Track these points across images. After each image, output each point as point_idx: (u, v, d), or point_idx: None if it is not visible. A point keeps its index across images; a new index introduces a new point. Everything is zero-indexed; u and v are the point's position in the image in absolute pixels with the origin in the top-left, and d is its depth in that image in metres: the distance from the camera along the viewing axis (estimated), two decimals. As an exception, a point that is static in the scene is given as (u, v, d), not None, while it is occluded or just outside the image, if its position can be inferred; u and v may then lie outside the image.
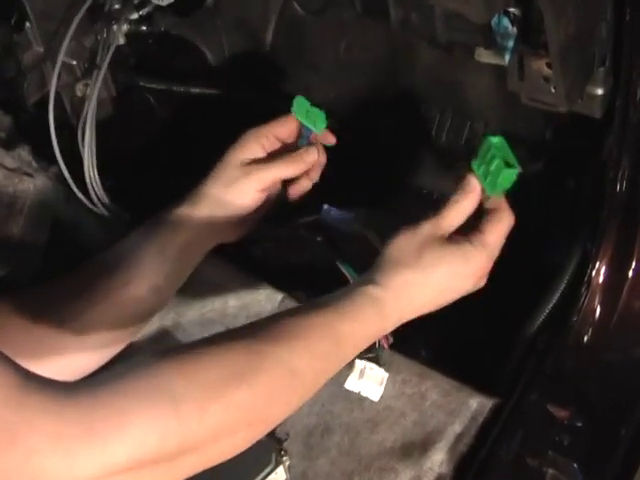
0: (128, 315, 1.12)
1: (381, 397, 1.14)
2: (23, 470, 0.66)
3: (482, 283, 0.99)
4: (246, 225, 1.16)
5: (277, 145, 1.16)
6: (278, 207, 1.20)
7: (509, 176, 0.95)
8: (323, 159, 1.16)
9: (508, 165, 0.95)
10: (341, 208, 1.19)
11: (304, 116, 1.14)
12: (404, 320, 0.96)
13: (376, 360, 1.14)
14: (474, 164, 0.98)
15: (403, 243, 0.96)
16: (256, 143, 1.14)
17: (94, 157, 1.24)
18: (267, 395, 0.82)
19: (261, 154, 1.14)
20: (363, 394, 1.13)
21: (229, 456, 0.82)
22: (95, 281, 1.10)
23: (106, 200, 1.26)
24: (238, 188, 1.12)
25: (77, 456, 0.68)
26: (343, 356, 0.92)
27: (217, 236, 1.15)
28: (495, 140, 0.96)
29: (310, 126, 1.14)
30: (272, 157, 1.14)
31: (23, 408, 0.67)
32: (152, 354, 0.80)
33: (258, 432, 0.84)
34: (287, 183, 1.16)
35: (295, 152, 1.14)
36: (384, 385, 1.13)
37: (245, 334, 0.87)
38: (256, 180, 1.12)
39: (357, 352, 0.95)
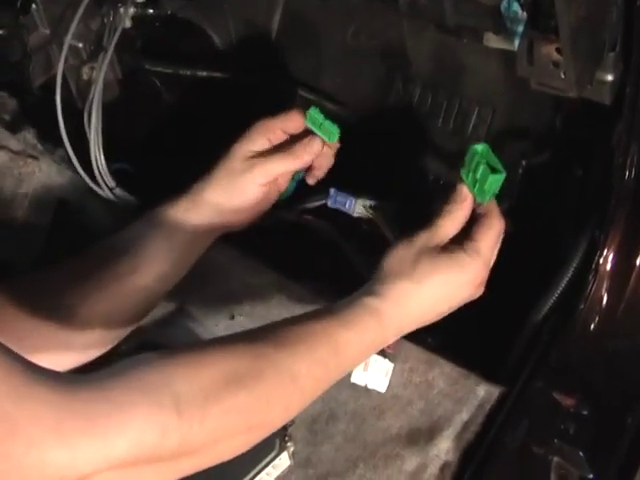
0: (133, 302, 1.12)
1: (388, 386, 1.14)
2: (24, 461, 0.67)
3: (480, 291, 1.01)
4: (252, 215, 1.17)
5: (284, 138, 1.16)
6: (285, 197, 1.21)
7: (496, 181, 0.98)
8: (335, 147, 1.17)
9: (494, 171, 0.98)
10: (347, 192, 1.19)
11: (317, 127, 1.14)
12: (404, 331, 0.99)
13: (381, 351, 1.13)
14: (462, 173, 1.02)
15: (400, 254, 0.98)
16: (262, 136, 1.14)
17: (100, 140, 1.24)
18: (267, 400, 0.84)
19: (267, 147, 1.15)
20: (370, 386, 1.13)
21: (227, 458, 0.84)
22: (101, 267, 1.10)
23: (112, 183, 1.26)
24: (242, 181, 1.12)
25: (78, 448, 0.69)
26: (343, 365, 0.93)
27: (223, 225, 1.15)
28: (479, 148, 1.00)
29: (324, 138, 1.14)
30: (277, 150, 1.15)
31: (25, 400, 0.68)
32: (158, 352, 0.81)
33: (257, 436, 0.86)
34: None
35: (298, 144, 1.14)
36: (389, 376, 1.12)
37: (248, 339, 0.89)
38: (259, 174, 1.12)
39: (357, 363, 0.99)
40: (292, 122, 1.16)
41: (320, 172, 1.18)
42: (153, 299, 1.15)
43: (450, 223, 1.00)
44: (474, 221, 1.01)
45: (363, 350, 0.95)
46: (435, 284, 0.97)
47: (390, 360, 1.13)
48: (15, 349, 0.71)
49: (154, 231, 1.12)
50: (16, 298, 1.04)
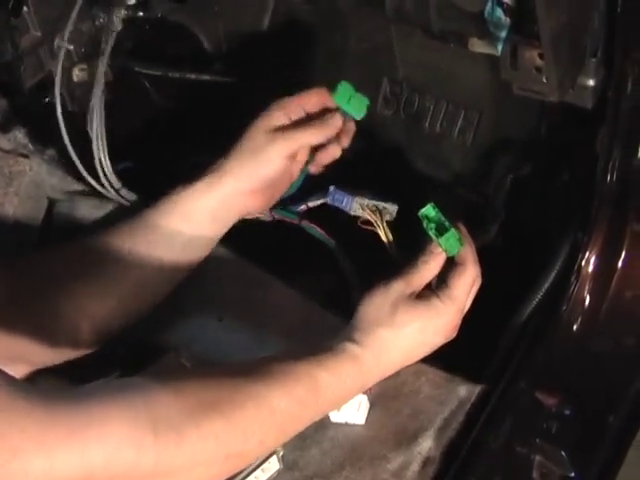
0: (149, 292, 1.15)
1: (379, 399, 1.14)
2: (8, 467, 0.69)
3: (453, 334, 1.03)
4: (273, 194, 1.17)
5: (302, 115, 1.16)
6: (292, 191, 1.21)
7: (448, 241, 1.01)
8: (353, 126, 1.17)
9: (441, 232, 1.01)
10: (346, 191, 1.19)
11: (346, 102, 1.14)
12: (384, 377, 1.01)
13: None
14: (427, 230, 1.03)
15: (377, 301, 1.00)
16: (282, 112, 1.14)
17: (104, 142, 1.25)
18: (244, 430, 0.85)
19: (287, 122, 1.14)
20: (350, 422, 1.13)
21: None
22: (107, 256, 1.11)
23: (118, 184, 1.28)
24: (264, 155, 1.12)
25: (57, 457, 0.71)
26: (321, 406, 0.96)
27: (243, 206, 1.15)
28: (424, 212, 1.02)
29: (351, 113, 1.15)
30: (298, 125, 1.14)
31: (11, 412, 0.70)
32: (141, 375, 0.85)
33: (233, 467, 0.89)
34: (316, 150, 1.17)
35: (321, 118, 1.14)
36: (363, 408, 1.13)
37: (230, 371, 0.91)
38: (282, 147, 1.12)
39: (334, 407, 1.02)
40: (311, 99, 1.15)
41: (345, 139, 1.17)
42: (165, 284, 1.17)
43: (425, 273, 1.02)
44: (449, 266, 1.03)
45: (342, 394, 0.98)
46: (413, 331, 0.99)
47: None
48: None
49: (168, 216, 1.13)
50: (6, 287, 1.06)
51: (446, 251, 1.02)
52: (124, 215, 1.17)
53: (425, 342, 1.01)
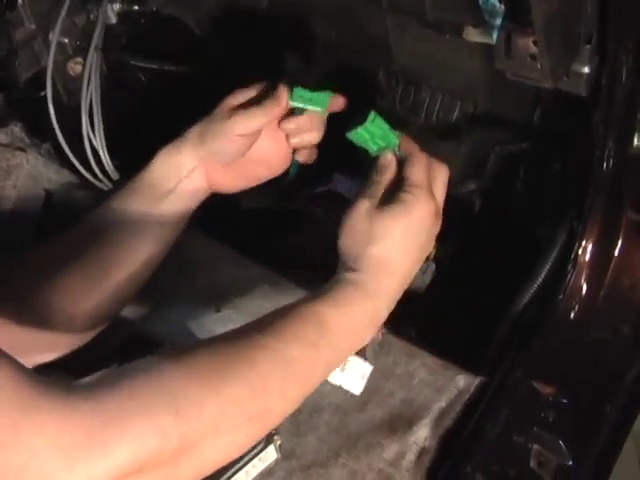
0: (123, 284, 1.13)
1: (372, 378, 1.14)
2: (25, 472, 0.67)
3: (439, 220, 1.01)
4: (243, 174, 1.16)
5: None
6: (290, 179, 1.20)
7: (383, 138, 1.04)
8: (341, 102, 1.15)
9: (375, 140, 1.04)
10: (352, 177, 1.19)
11: (306, 103, 1.13)
12: (395, 292, 0.98)
13: (362, 353, 1.13)
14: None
15: (352, 227, 0.98)
16: (247, 92, 1.15)
17: (103, 136, 1.26)
18: (263, 387, 0.83)
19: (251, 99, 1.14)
20: (345, 387, 1.13)
21: (233, 455, 0.84)
22: (86, 251, 1.11)
23: (114, 176, 1.28)
24: (220, 130, 1.12)
25: (77, 462, 0.69)
26: (334, 343, 0.92)
27: (207, 175, 1.14)
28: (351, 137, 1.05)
29: (316, 109, 1.14)
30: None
31: (30, 409, 0.68)
32: (150, 358, 0.81)
33: (259, 428, 0.85)
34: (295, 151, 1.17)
35: (269, 98, 1.13)
36: (366, 379, 1.13)
37: (238, 332, 0.89)
38: (235, 123, 1.11)
39: (351, 340, 0.95)
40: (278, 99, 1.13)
41: (311, 141, 1.16)
42: (143, 275, 1.15)
43: (380, 178, 1.02)
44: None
45: (354, 325, 0.94)
46: (400, 234, 0.97)
47: (370, 363, 1.13)
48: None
49: (138, 197, 1.13)
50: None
51: (387, 147, 1.04)
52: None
53: (416, 239, 0.98)
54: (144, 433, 0.73)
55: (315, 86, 1.14)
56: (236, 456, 0.85)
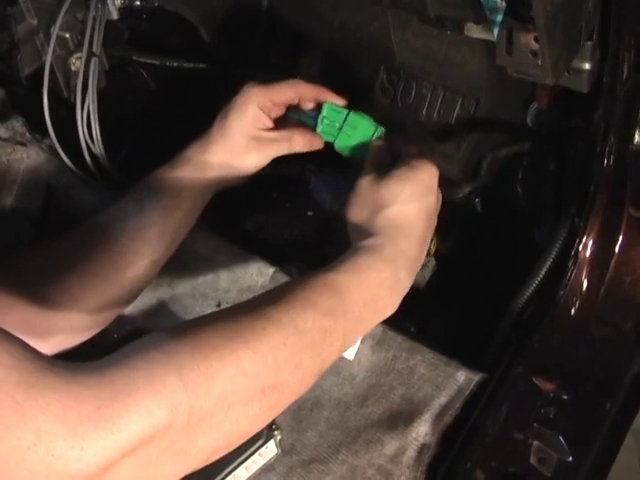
0: (129, 280, 1.13)
1: (372, 373, 1.14)
2: (34, 453, 0.65)
3: (439, 195, 1.03)
4: (243, 176, 1.17)
5: (281, 112, 1.17)
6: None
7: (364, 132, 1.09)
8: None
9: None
10: (334, 175, 1.20)
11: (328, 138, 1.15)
12: (414, 256, 0.98)
13: None
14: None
15: (361, 200, 1.00)
16: (263, 114, 1.15)
17: (98, 129, 1.26)
18: (273, 357, 0.80)
19: (269, 124, 1.16)
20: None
21: (249, 431, 0.81)
22: (94, 249, 1.11)
23: (113, 171, 1.28)
24: (246, 157, 1.14)
25: (86, 439, 0.66)
26: (353, 311, 0.89)
27: (219, 181, 1.15)
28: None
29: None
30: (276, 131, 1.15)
31: (34, 389, 0.66)
32: (156, 333, 0.79)
33: (274, 401, 0.82)
34: None
35: (306, 132, 1.15)
36: (358, 343, 1.12)
37: (246, 304, 0.87)
38: (267, 155, 1.14)
39: (373, 310, 0.93)
40: (286, 93, 1.16)
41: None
42: (148, 274, 1.15)
43: (378, 151, 1.05)
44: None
45: (371, 290, 0.92)
46: (408, 194, 0.98)
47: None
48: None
49: (149, 197, 1.13)
50: (4, 280, 1.05)
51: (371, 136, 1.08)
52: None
53: (425, 200, 0.99)
54: (152, 407, 0.70)
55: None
56: (252, 432, 0.82)
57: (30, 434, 0.64)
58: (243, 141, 1.14)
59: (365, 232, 0.96)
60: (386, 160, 1.04)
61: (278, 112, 1.17)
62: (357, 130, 1.09)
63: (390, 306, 0.95)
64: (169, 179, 1.13)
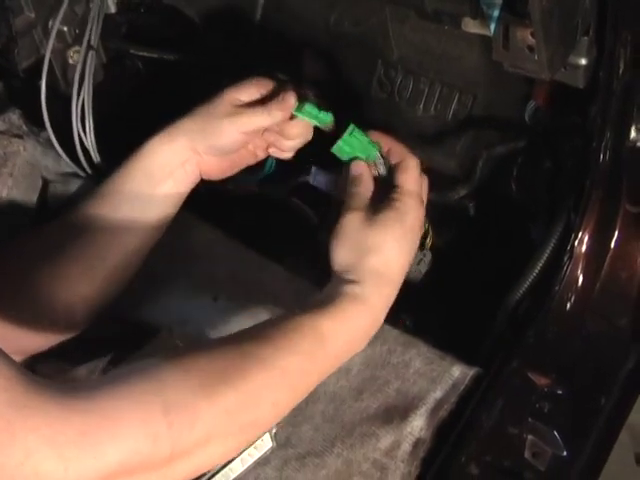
0: (118, 274, 1.14)
1: (367, 367, 1.15)
2: (21, 470, 0.67)
3: (422, 226, 1.03)
4: (230, 166, 1.17)
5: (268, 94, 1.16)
6: (265, 174, 1.21)
7: (350, 142, 1.05)
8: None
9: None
10: (329, 170, 1.20)
11: (312, 119, 1.14)
12: (392, 298, 0.99)
13: None
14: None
15: (346, 240, 0.99)
16: (253, 88, 1.15)
17: (91, 123, 1.26)
18: (255, 396, 0.84)
19: (256, 98, 1.15)
20: None
21: (220, 462, 0.88)
22: (80, 237, 1.12)
23: (103, 164, 1.28)
24: (220, 125, 1.12)
25: (70, 460, 0.69)
26: (331, 355, 0.93)
27: (197, 164, 1.14)
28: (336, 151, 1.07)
29: (319, 125, 1.15)
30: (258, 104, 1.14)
31: (26, 409, 0.68)
32: (147, 361, 0.82)
33: (249, 436, 0.88)
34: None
35: (273, 101, 1.13)
36: None
37: (233, 340, 0.89)
38: (240, 124, 1.12)
39: (349, 351, 0.96)
40: (285, 86, 1.15)
41: (295, 143, 1.17)
42: (133, 265, 1.16)
43: (360, 189, 1.03)
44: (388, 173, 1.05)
45: (353, 337, 0.95)
46: (394, 242, 0.98)
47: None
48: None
49: (131, 184, 1.13)
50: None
51: (366, 160, 1.05)
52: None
53: (409, 244, 1.00)
54: (137, 437, 0.74)
55: (316, 96, 1.16)
56: (225, 460, 0.88)
57: (19, 453, 0.67)
58: (220, 112, 1.12)
59: (350, 274, 0.97)
60: (369, 187, 1.04)
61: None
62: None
63: (365, 342, 0.98)
64: (148, 157, 1.13)
